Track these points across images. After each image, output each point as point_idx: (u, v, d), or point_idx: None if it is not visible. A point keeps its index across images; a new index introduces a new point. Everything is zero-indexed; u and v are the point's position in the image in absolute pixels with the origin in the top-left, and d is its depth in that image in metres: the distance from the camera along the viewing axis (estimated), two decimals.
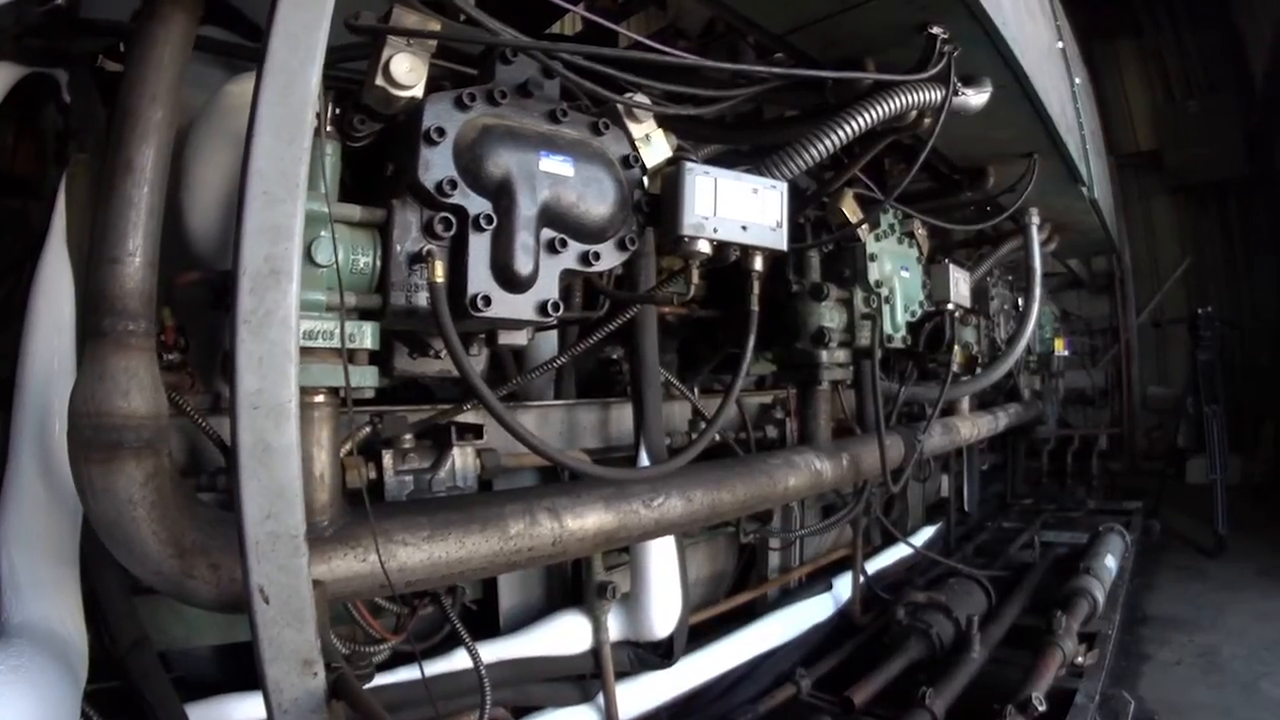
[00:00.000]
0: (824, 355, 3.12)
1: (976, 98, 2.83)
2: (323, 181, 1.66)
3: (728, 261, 2.09)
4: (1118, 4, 10.82)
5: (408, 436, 2.07)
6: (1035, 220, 4.86)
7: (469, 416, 2.37)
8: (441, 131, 1.69)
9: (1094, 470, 8.43)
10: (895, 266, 3.39)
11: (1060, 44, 4.66)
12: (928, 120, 2.81)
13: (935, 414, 3.81)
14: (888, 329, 3.33)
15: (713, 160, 2.76)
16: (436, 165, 1.68)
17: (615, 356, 3.33)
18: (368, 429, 2.03)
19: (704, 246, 1.99)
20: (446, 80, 2.04)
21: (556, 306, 1.81)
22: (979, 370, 4.56)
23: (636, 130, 2.09)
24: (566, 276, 1.91)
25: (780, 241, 2.09)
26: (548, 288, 1.81)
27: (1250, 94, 9.53)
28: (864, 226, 3.15)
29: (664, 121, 2.24)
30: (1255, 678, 4.01)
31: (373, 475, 1.96)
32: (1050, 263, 8.81)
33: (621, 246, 1.96)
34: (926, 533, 5.60)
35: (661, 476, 2.26)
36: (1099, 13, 10.38)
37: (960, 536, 6.09)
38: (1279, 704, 3.73)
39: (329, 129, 1.71)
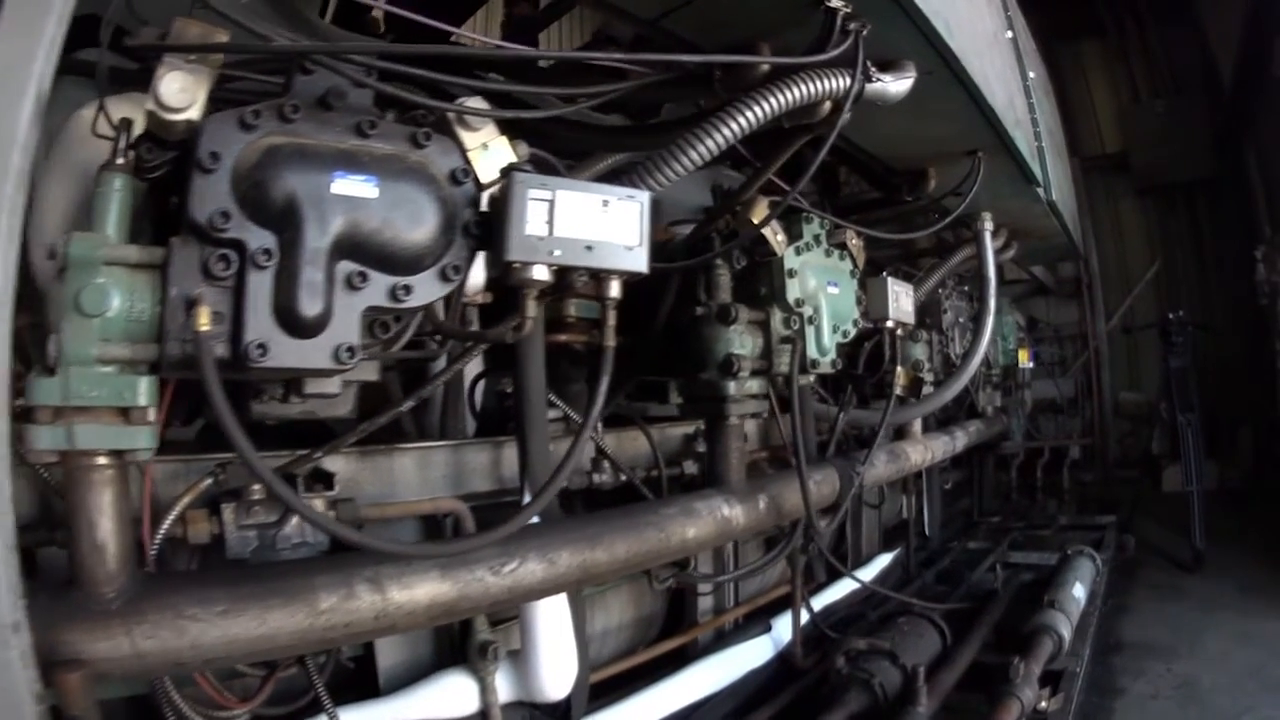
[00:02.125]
0: (732, 386, 2.74)
1: (896, 84, 2.49)
2: (108, 220, 1.50)
3: (574, 288, 1.78)
4: (1080, 5, 10.65)
5: (256, 487, 1.89)
6: (988, 226, 4.55)
7: (338, 463, 2.21)
8: (216, 157, 1.49)
9: (1065, 483, 8.14)
10: (821, 282, 3.04)
11: (1010, 34, 4.37)
12: (846, 114, 2.50)
13: (877, 442, 3.47)
14: (812, 353, 2.97)
15: (620, 174, 2.46)
16: (210, 196, 1.49)
17: (510, 390, 2.99)
18: (209, 480, 1.86)
19: (540, 273, 1.69)
20: None
21: (351, 351, 1.59)
22: (929, 390, 4.25)
23: (470, 139, 1.84)
24: (373, 314, 1.71)
25: (638, 262, 1.77)
26: (345, 330, 1.59)
27: (1218, 92, 9.36)
28: (781, 239, 2.80)
29: (521, 127, 1.95)
30: (1238, 712, 3.75)
31: (216, 531, 1.83)
32: (1013, 269, 8.60)
33: (444, 277, 1.72)
34: (883, 560, 5.24)
35: (492, 542, 1.92)
36: (1061, 14, 10.24)
37: (921, 561, 5.74)
38: None
39: (119, 161, 1.53)
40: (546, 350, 3.29)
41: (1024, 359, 6.86)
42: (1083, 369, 9.59)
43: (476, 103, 1.96)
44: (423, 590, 1.85)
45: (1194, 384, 7.07)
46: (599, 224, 1.74)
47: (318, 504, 1.97)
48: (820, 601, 4.39)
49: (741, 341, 2.74)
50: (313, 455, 2.00)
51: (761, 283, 2.95)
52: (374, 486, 2.32)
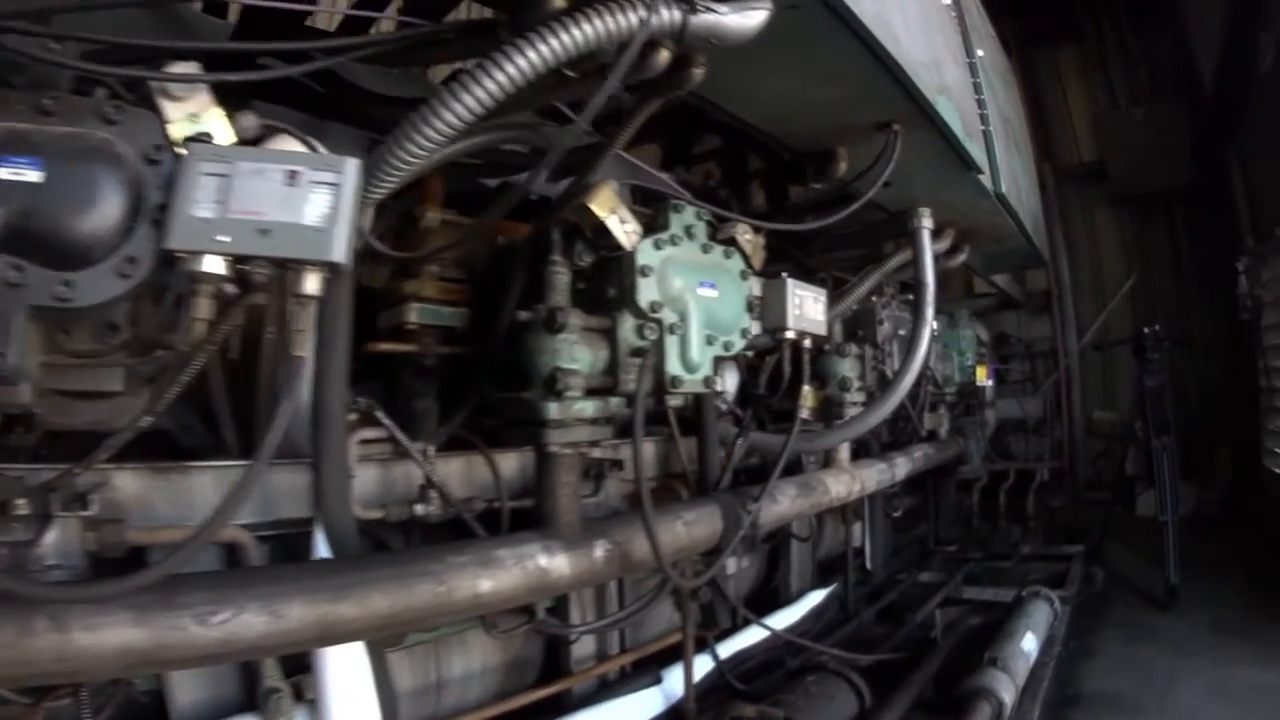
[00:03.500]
0: (554, 409, 2.21)
1: (738, 17, 1.95)
2: None
3: (259, 284, 1.37)
4: (1058, 11, 10.33)
5: (20, 501, 1.77)
6: (926, 223, 4.03)
7: (128, 480, 2.04)
8: None
9: (1030, 509, 7.63)
10: (689, 283, 2.52)
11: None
12: (697, 69, 2.03)
13: (775, 474, 2.97)
14: (674, 368, 2.46)
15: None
16: None
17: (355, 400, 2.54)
18: None
19: (211, 265, 1.38)
20: None
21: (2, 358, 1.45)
22: (855, 411, 3.76)
23: (174, 111, 1.59)
24: (40, 316, 1.52)
25: (330, 249, 1.38)
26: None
27: (1198, 98, 8.97)
28: (630, 229, 2.29)
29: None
30: None
31: None
32: (983, 283, 8.13)
33: (120, 272, 1.51)
34: (815, 598, 4.71)
35: (137, 588, 1.56)
36: (1039, 20, 9.94)
37: (864, 596, 5.23)
38: None
39: None
40: (388, 362, 2.84)
41: (982, 376, 6.35)
42: (1054, 387, 9.12)
43: (180, 67, 1.63)
44: (110, 635, 1.61)
45: (1170, 403, 6.62)
46: (281, 202, 1.39)
47: (72, 524, 1.80)
48: (732, 647, 3.88)
49: (573, 354, 2.22)
50: (73, 470, 1.81)
51: (610, 283, 2.44)
52: (170, 508, 2.12)
